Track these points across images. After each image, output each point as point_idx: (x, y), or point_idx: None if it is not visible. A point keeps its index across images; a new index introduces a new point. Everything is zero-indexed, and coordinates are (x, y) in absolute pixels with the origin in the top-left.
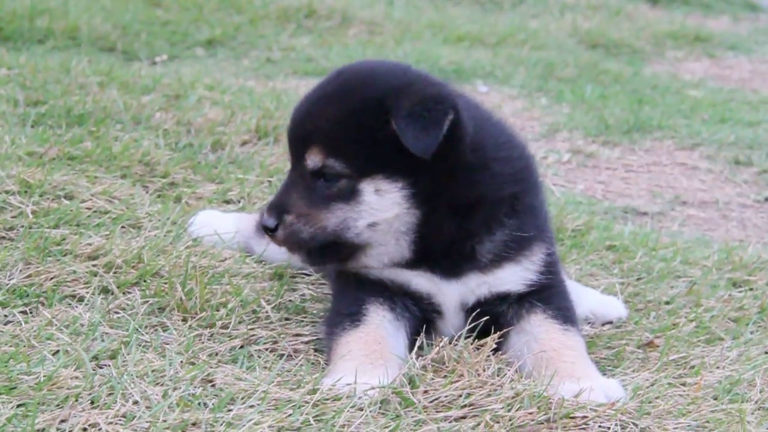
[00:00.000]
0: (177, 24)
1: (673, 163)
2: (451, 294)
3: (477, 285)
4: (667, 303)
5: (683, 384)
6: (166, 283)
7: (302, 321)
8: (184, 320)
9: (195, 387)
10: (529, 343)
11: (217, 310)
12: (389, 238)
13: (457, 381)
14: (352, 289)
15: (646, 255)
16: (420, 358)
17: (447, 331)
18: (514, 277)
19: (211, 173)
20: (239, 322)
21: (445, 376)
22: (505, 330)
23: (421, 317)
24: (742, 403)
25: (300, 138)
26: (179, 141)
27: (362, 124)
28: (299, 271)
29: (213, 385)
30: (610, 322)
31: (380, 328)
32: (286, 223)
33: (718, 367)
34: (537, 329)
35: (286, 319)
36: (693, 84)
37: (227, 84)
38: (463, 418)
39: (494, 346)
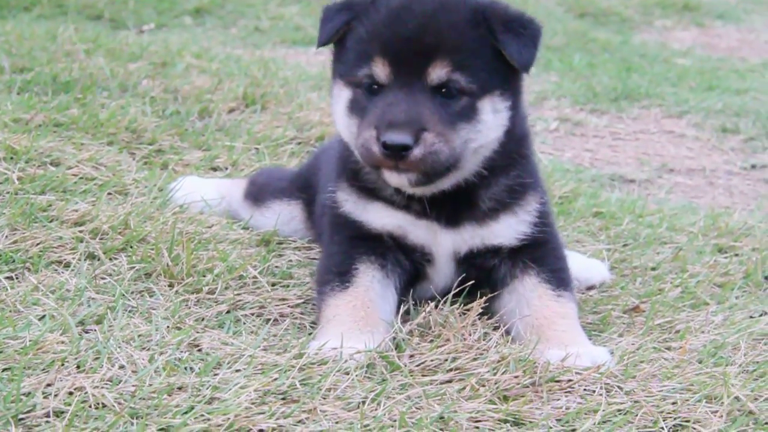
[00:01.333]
0: None
1: (661, 131)
2: (446, 244)
3: (471, 236)
4: (653, 269)
5: (668, 348)
6: (152, 249)
7: (288, 286)
8: (171, 286)
9: (181, 351)
10: (521, 308)
11: (204, 276)
12: (472, 165)
13: (443, 345)
14: (345, 244)
15: (632, 222)
16: (406, 323)
17: (437, 280)
18: (509, 230)
19: (198, 140)
20: (225, 288)
21: (431, 341)
22: (497, 292)
23: (412, 269)
24: (727, 366)
25: (421, 50)
26: (166, 108)
27: (479, 37)
28: (285, 238)
29: (199, 350)
30: (594, 287)
31: (369, 291)
32: (427, 142)
33: (702, 332)
34: (530, 293)
35: (273, 284)
36: (681, 52)
37: (215, 52)
38: (449, 381)
39: (480, 310)
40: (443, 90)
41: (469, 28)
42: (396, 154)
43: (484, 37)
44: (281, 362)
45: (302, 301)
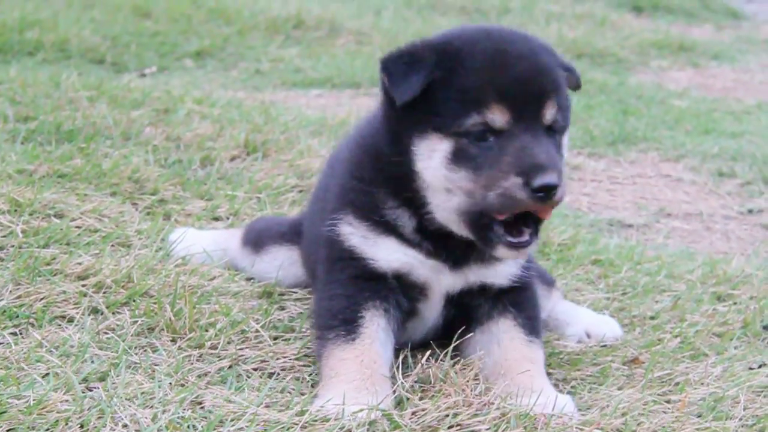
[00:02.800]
0: (166, 35)
1: (658, 175)
2: (447, 282)
3: (474, 276)
4: (652, 318)
5: (668, 401)
6: (155, 303)
7: (290, 339)
8: (173, 341)
9: (184, 409)
10: (491, 346)
11: (206, 331)
12: None
13: (443, 400)
14: (349, 286)
15: (631, 269)
16: (407, 377)
17: (427, 317)
18: (506, 270)
19: (200, 190)
20: (228, 343)
21: (432, 396)
22: (471, 331)
23: (408, 308)
24: (726, 420)
25: (536, 92)
26: (168, 157)
27: (563, 76)
28: (287, 289)
29: (202, 407)
30: (605, 345)
31: (375, 343)
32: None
33: (702, 384)
34: (503, 335)
35: (275, 338)
36: (677, 93)
37: (216, 97)
38: None
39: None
40: (549, 129)
41: (558, 68)
42: (546, 197)
43: (563, 77)
44: (284, 420)
45: (304, 354)
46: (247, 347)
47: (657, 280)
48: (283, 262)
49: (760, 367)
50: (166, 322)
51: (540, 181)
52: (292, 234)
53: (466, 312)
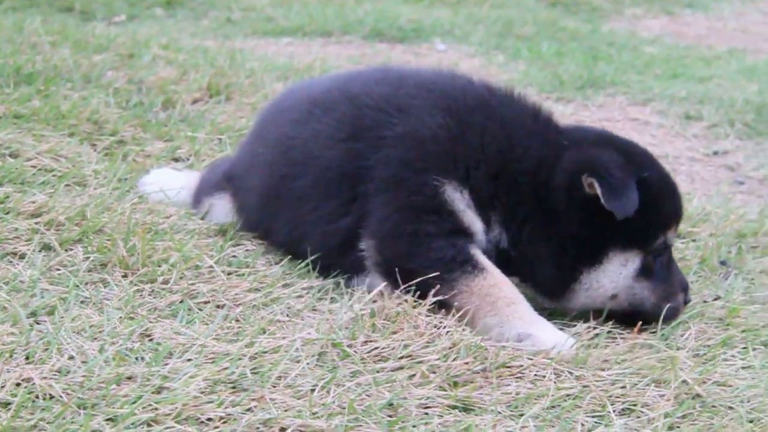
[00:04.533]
0: None
1: (626, 119)
2: None
3: None
4: None
5: (624, 338)
6: (108, 240)
7: (244, 274)
8: (125, 276)
9: (133, 342)
10: None
11: (159, 266)
12: None
13: (396, 332)
14: (450, 236)
15: None
16: (361, 309)
17: None
18: None
19: (160, 131)
20: (180, 278)
21: (385, 327)
22: None
23: None
24: (677, 350)
25: None
26: (130, 99)
27: None
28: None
29: (151, 340)
30: None
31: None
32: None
33: None
34: None
35: (229, 273)
36: (649, 41)
37: (183, 43)
38: (401, 368)
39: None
40: None
41: None
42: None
43: None
44: (233, 351)
45: (256, 288)
46: (200, 282)
47: None
48: (216, 212)
49: (714, 299)
50: (118, 258)
51: (689, 296)
52: (221, 180)
53: None
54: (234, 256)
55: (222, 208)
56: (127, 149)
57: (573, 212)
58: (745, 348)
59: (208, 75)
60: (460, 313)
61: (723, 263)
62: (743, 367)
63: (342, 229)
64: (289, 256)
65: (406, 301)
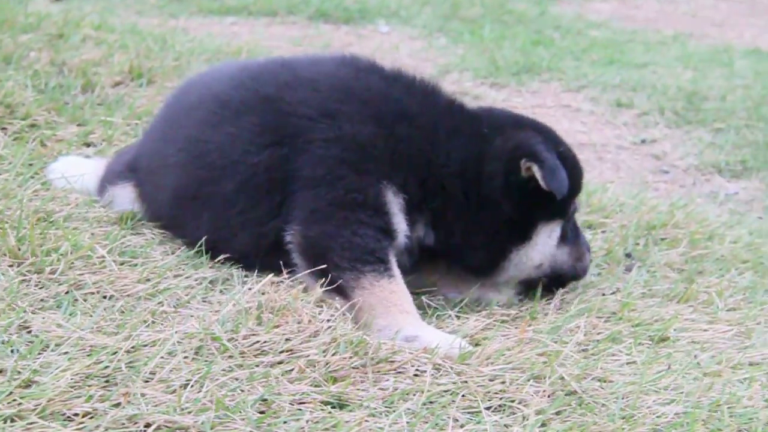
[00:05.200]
0: None
1: (558, 105)
2: None
3: None
4: None
5: (516, 327)
6: (1, 228)
7: (137, 265)
8: (13, 266)
9: (10, 334)
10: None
11: (48, 255)
12: None
13: (279, 326)
14: (374, 230)
15: None
16: (248, 301)
17: None
18: None
19: (75, 115)
20: (69, 268)
21: (270, 320)
22: None
23: None
24: (564, 345)
25: None
26: (49, 82)
27: None
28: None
29: (29, 332)
30: None
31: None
32: None
33: (547, 313)
34: None
35: (122, 263)
36: (596, 24)
37: (117, 23)
38: (280, 363)
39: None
40: None
41: None
42: None
43: None
44: (110, 344)
45: (146, 278)
46: (88, 272)
47: None
48: (120, 201)
49: (613, 293)
50: (8, 247)
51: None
52: (124, 169)
53: None
54: (129, 246)
55: (125, 197)
56: (39, 133)
57: (506, 198)
58: (632, 343)
59: (131, 58)
60: (353, 307)
61: (628, 255)
62: (627, 363)
63: (272, 230)
64: (184, 246)
65: (292, 293)
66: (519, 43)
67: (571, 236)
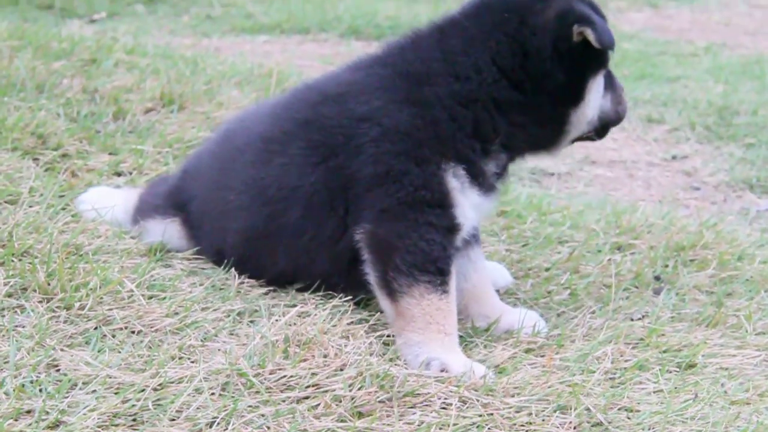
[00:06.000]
0: None
1: None
2: (477, 214)
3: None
4: (547, 269)
5: (542, 356)
6: (30, 263)
7: (165, 298)
8: (44, 302)
9: (38, 373)
10: (468, 271)
11: (77, 291)
12: None
13: (305, 360)
14: (443, 236)
15: (536, 220)
16: (275, 334)
17: None
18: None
19: (106, 143)
20: (98, 303)
21: (296, 354)
22: None
23: None
24: (590, 374)
25: None
26: (81, 110)
27: None
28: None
29: (57, 370)
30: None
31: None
32: None
33: (574, 340)
34: (477, 261)
35: (150, 297)
36: (629, 36)
37: (149, 47)
38: (306, 398)
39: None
40: None
41: None
42: None
43: None
44: (137, 382)
45: (174, 312)
46: (117, 307)
47: (561, 231)
48: (158, 237)
49: (641, 318)
50: (38, 282)
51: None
52: (167, 206)
53: None
54: (156, 278)
55: (171, 233)
56: (71, 164)
57: (558, 66)
58: (660, 370)
59: (163, 83)
60: (393, 311)
61: (657, 278)
62: (654, 391)
63: (346, 246)
64: (212, 278)
65: (318, 327)
66: None
67: (608, 82)
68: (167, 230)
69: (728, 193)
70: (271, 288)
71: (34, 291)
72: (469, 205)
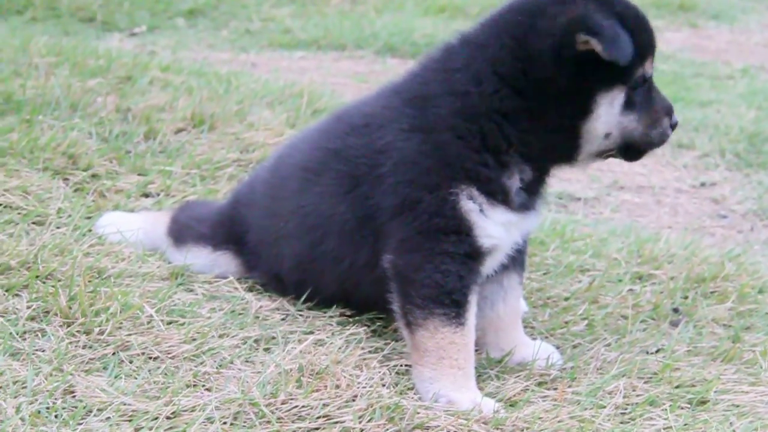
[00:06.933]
0: None
1: None
2: (521, 234)
3: (531, 222)
4: (566, 299)
5: (555, 389)
6: (53, 287)
7: (185, 324)
8: (65, 326)
9: (55, 399)
10: (497, 299)
11: (97, 316)
12: None
13: (318, 390)
14: (459, 264)
15: (559, 247)
16: (288, 363)
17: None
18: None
19: (136, 164)
20: (118, 328)
21: (309, 384)
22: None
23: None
24: (600, 408)
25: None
26: (113, 129)
27: None
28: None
29: (74, 396)
30: None
31: (474, 332)
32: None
33: (587, 373)
34: (509, 290)
35: (169, 322)
36: (666, 56)
37: (186, 58)
38: (316, 429)
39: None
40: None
41: None
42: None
43: None
44: (151, 409)
45: (192, 338)
46: (136, 333)
47: (583, 259)
48: (206, 267)
49: (656, 351)
50: (59, 306)
51: (676, 119)
52: (217, 236)
53: None
54: (176, 304)
55: (223, 264)
56: (99, 184)
57: (561, 75)
58: (671, 406)
59: (195, 102)
60: (410, 342)
61: (675, 310)
62: (664, 428)
63: (382, 274)
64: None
65: (331, 357)
66: None
67: (641, 101)
68: (218, 261)
69: (755, 222)
70: (288, 313)
71: (56, 315)
72: (493, 224)
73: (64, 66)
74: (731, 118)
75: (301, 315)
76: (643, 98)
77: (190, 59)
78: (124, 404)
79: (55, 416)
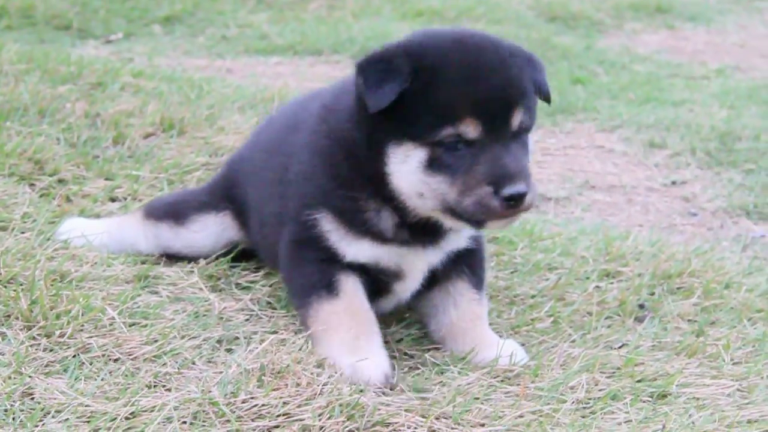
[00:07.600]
0: (136, 0)
1: (591, 146)
2: (427, 261)
3: (448, 245)
4: (533, 297)
5: (518, 385)
6: (14, 291)
7: (147, 325)
8: (25, 329)
9: (12, 401)
10: (447, 306)
11: (58, 319)
12: None
13: (278, 389)
14: (321, 263)
15: (527, 247)
16: (250, 363)
17: (401, 293)
18: (469, 232)
19: (103, 169)
20: (79, 330)
21: (269, 383)
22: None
23: (379, 288)
24: (561, 403)
25: (507, 103)
26: (81, 135)
27: (530, 78)
28: (163, 272)
29: (32, 399)
30: None
31: (358, 297)
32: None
33: (551, 368)
34: (458, 296)
35: (131, 324)
36: (642, 58)
37: (161, 65)
38: (276, 428)
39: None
40: (517, 132)
41: (527, 74)
42: (517, 204)
43: (531, 78)
44: (109, 410)
45: (153, 339)
46: (97, 335)
47: (551, 258)
48: (214, 229)
49: (621, 347)
50: (20, 310)
51: (509, 190)
52: (216, 201)
53: (432, 277)
54: (138, 306)
55: (220, 225)
56: (66, 189)
57: (356, 126)
58: (632, 400)
59: (164, 107)
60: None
61: (641, 306)
62: (625, 421)
63: None
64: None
65: (292, 356)
66: (557, 82)
67: (456, 164)
68: (224, 224)
69: (725, 220)
70: (252, 313)
71: (17, 318)
72: (360, 251)
73: (35, 73)
74: (703, 117)
75: (264, 315)
76: (461, 162)
77: (166, 65)
78: (83, 405)
79: (13, 418)
